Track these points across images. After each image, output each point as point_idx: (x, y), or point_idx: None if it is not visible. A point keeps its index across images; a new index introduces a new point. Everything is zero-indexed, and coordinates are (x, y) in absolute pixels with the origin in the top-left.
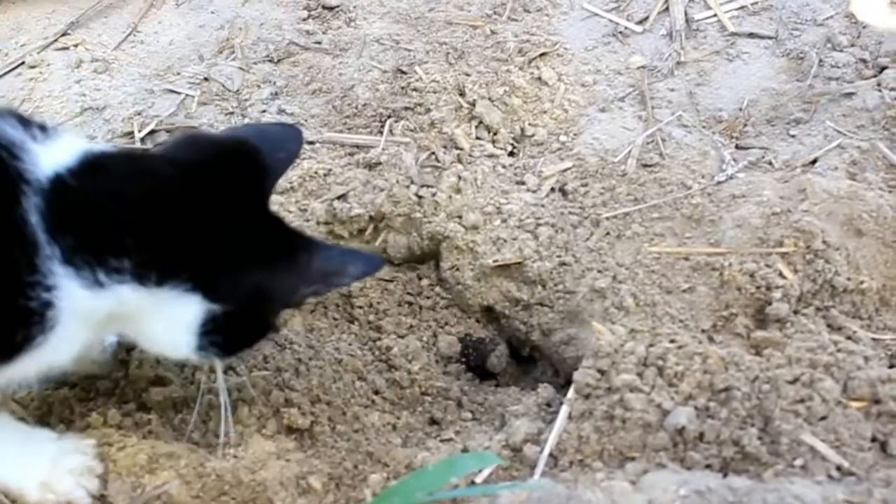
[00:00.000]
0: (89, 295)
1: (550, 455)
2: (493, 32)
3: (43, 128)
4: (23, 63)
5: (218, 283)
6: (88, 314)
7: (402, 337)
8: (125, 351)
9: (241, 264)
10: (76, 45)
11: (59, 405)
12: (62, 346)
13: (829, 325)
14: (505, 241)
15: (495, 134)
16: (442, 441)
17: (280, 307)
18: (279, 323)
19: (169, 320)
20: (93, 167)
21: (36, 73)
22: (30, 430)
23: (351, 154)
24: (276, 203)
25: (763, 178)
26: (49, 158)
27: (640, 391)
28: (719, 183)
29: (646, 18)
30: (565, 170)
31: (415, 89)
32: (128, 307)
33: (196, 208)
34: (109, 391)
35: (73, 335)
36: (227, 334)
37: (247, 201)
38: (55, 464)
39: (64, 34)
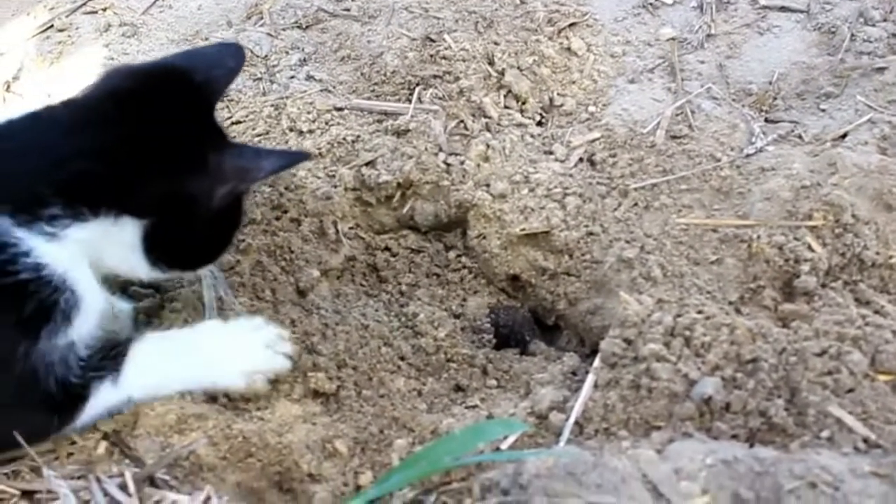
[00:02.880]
0: (57, 247)
1: (576, 423)
2: (522, 2)
3: None
4: (51, 26)
5: (136, 198)
6: (73, 261)
7: (428, 304)
8: (144, 314)
9: (152, 176)
10: (104, 9)
11: None
12: (85, 286)
13: (857, 299)
14: (532, 210)
15: (524, 103)
16: (467, 408)
17: (205, 209)
18: (233, 235)
19: (119, 245)
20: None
21: (64, 36)
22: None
23: (379, 121)
24: (304, 168)
25: (792, 152)
26: None
27: (666, 361)
28: (748, 156)
29: None
30: (594, 140)
31: (443, 57)
32: (89, 246)
33: (104, 134)
34: None
35: (83, 278)
36: (166, 246)
37: (161, 116)
38: (244, 347)
39: None
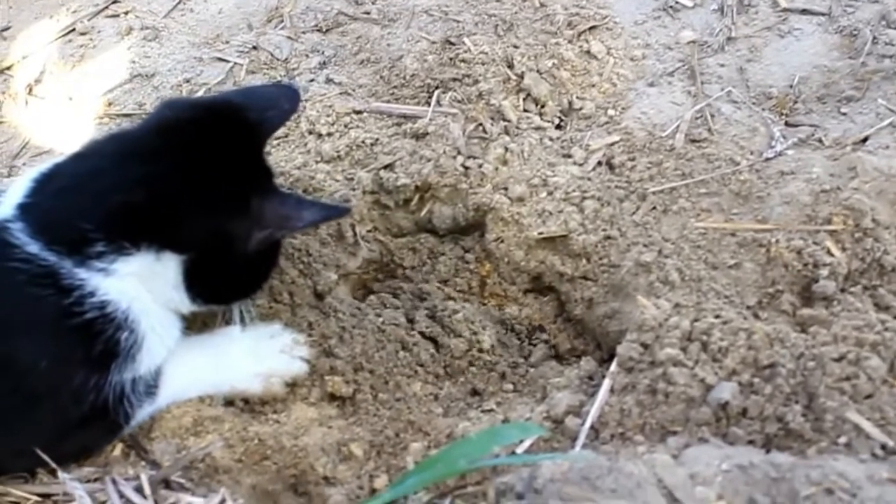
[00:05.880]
0: (116, 282)
1: (592, 427)
2: (542, 5)
3: None
4: (73, 30)
5: (176, 232)
6: (135, 297)
7: (445, 308)
8: None
9: (193, 211)
10: (126, 13)
11: None
12: (149, 323)
13: (876, 304)
14: (550, 213)
15: (543, 107)
16: (483, 412)
17: (242, 250)
18: (269, 273)
19: (163, 278)
20: (43, 180)
21: (86, 39)
22: (220, 338)
23: (398, 124)
24: (323, 171)
25: (813, 156)
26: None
27: (683, 366)
28: (768, 159)
29: None
30: (612, 143)
31: (463, 60)
32: (139, 279)
33: (146, 167)
34: None
35: (147, 315)
36: (204, 281)
37: (208, 152)
38: (261, 352)
39: (114, 2)
